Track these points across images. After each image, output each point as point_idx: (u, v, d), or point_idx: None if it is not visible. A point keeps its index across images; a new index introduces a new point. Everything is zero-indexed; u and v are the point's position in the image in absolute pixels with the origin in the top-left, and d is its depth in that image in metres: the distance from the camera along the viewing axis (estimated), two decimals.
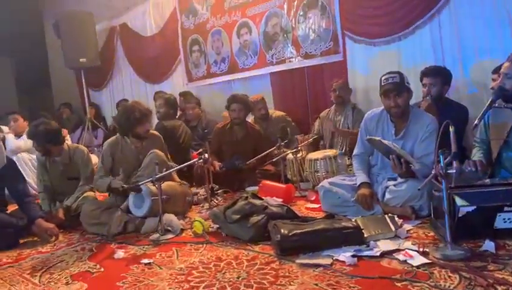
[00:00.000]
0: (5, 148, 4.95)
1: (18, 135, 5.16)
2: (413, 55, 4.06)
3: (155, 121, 5.41)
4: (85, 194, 3.47)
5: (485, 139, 2.70)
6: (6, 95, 12.06)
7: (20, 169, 3.57)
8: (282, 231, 2.36)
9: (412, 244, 2.28)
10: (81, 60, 6.60)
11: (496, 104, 2.48)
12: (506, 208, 2.19)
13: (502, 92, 2.48)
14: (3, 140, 5.28)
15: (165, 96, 4.99)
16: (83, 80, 6.86)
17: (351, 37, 4.49)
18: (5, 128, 5.75)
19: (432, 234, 2.45)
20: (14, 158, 4.30)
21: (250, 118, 4.75)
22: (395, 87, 2.82)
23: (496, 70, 3.13)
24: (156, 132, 3.71)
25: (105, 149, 3.44)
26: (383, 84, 2.87)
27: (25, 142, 4.89)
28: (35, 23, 9.64)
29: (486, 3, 3.56)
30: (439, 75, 3.34)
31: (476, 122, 2.44)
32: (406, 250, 2.20)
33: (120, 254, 2.64)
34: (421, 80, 3.41)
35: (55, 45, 8.45)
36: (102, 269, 2.45)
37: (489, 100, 2.46)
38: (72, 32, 6.62)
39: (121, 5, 7.26)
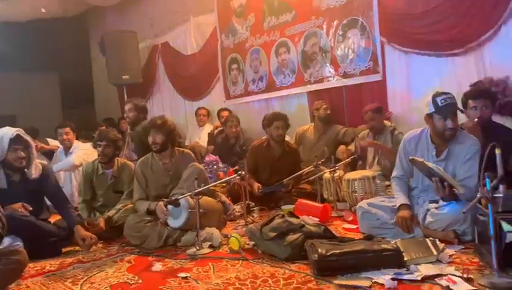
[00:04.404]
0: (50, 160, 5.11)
1: (67, 149, 5.04)
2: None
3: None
4: (127, 207, 3.54)
5: None
6: (52, 109, 12.61)
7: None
8: (319, 250, 2.33)
9: (456, 269, 2.20)
10: (124, 76, 6.85)
11: None
12: None
13: None
14: (50, 153, 5.43)
15: (134, 102, 4.98)
16: (125, 96, 7.09)
17: (391, 56, 4.47)
18: (51, 141, 5.93)
19: (476, 260, 2.36)
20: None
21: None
22: (455, 108, 2.75)
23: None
24: (188, 151, 3.72)
25: (137, 169, 3.53)
26: (440, 104, 2.72)
27: (78, 158, 4.84)
28: (81, 41, 10.10)
29: None
30: (489, 97, 3.21)
31: None
32: (449, 275, 2.13)
33: (158, 266, 2.68)
34: (466, 102, 3.24)
35: (99, 62, 8.84)
36: (140, 281, 2.49)
37: None
38: (116, 50, 6.89)
39: (164, 25, 7.55)
